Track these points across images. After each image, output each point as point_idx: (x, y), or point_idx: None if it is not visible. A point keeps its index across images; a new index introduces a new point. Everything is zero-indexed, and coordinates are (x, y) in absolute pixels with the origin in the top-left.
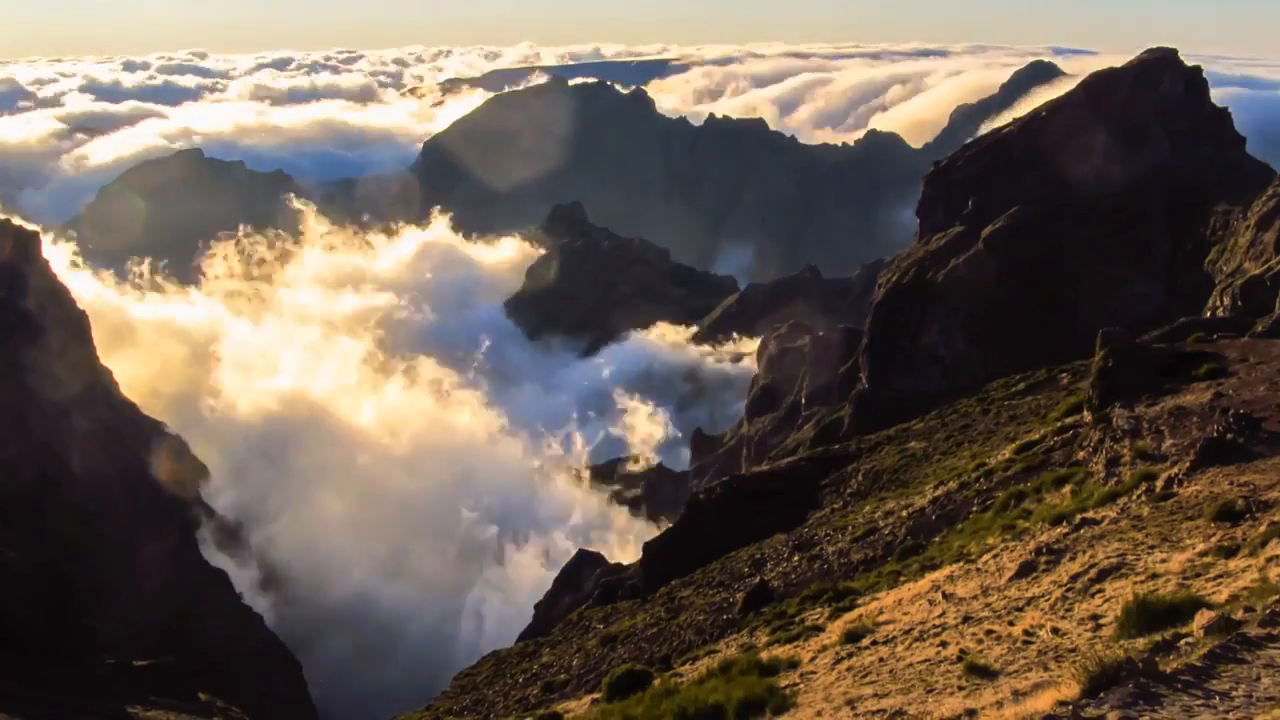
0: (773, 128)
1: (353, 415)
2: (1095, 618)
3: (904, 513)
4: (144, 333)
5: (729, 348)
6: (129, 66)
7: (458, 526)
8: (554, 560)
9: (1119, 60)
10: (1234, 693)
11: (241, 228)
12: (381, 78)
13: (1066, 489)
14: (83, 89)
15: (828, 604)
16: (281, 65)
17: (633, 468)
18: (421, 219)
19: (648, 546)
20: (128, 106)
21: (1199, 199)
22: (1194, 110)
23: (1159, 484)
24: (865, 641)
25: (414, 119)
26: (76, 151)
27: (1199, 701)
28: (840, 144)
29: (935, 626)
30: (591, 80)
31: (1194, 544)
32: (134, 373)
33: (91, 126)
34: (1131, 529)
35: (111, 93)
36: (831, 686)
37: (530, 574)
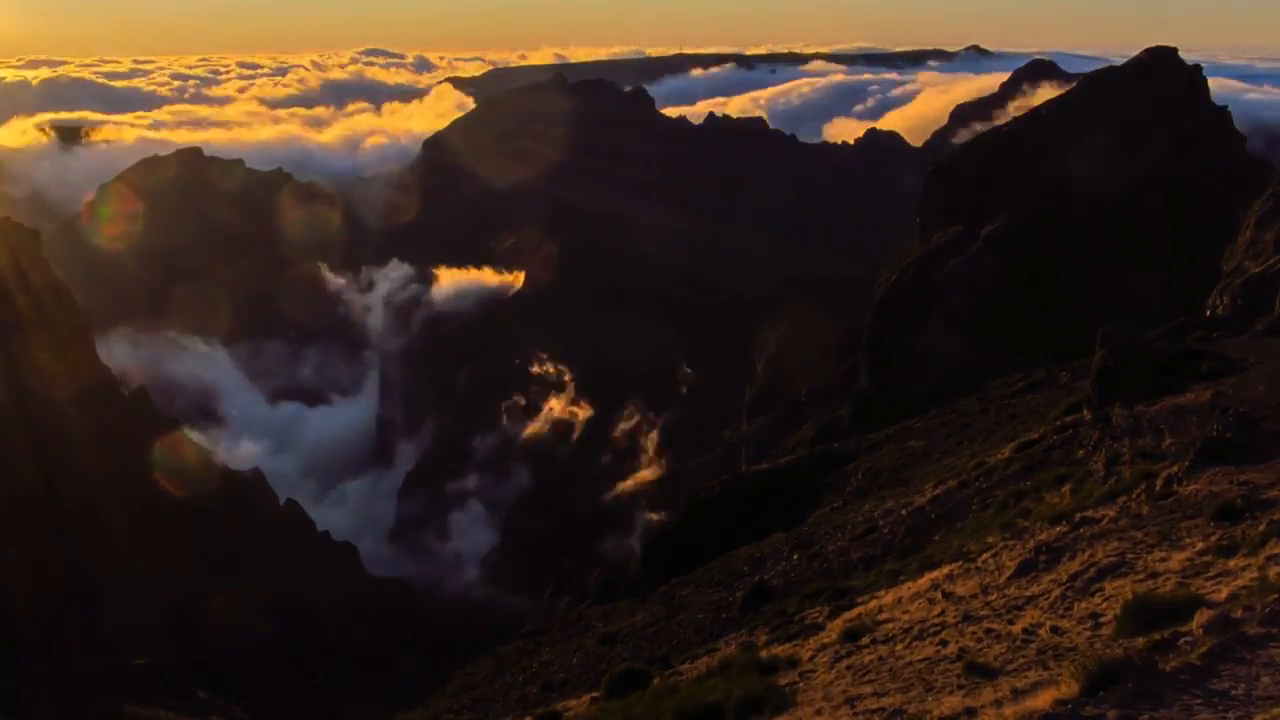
0: (772, 127)
1: None
2: (1095, 616)
3: (904, 511)
4: None
5: None
6: (130, 67)
7: None
8: None
9: (1119, 60)
10: (1234, 692)
11: None
12: (382, 77)
13: (1066, 488)
14: (81, 88)
15: (827, 603)
16: (284, 65)
17: None
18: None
19: (648, 545)
20: (126, 106)
21: (1199, 199)
22: (1194, 109)
23: (1158, 483)
24: (865, 640)
25: (414, 118)
26: (75, 150)
27: (1198, 700)
28: (840, 144)
29: (935, 625)
30: (591, 80)
31: (1193, 543)
32: None
33: (91, 126)
34: (1131, 528)
35: (111, 93)
36: (831, 685)
37: None
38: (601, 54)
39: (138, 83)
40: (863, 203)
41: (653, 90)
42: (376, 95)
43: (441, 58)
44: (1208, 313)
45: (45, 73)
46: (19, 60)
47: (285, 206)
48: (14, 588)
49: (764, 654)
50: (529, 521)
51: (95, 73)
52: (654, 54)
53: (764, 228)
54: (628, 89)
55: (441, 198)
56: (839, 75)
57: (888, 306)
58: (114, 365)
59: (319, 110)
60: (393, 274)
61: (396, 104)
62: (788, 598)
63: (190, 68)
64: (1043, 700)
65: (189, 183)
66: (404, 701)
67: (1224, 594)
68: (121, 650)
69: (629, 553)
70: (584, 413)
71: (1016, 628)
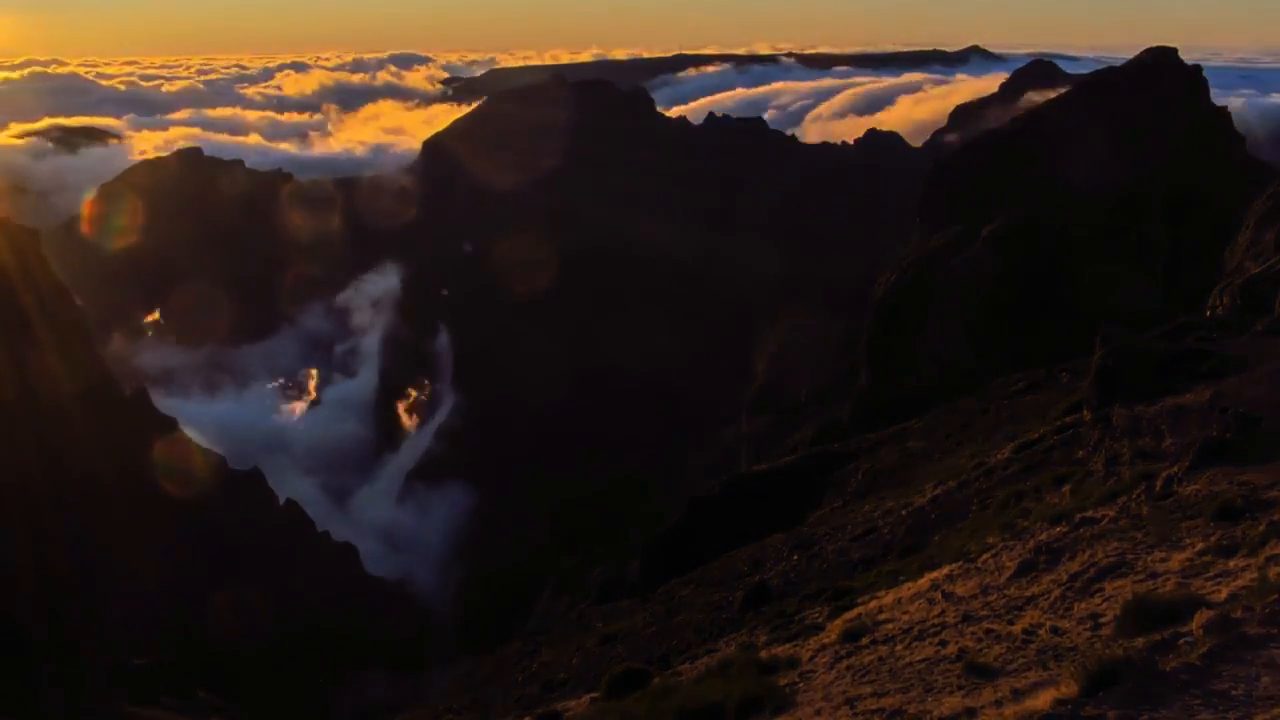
0: (772, 127)
1: None
2: (1095, 616)
3: (904, 511)
4: None
5: None
6: (130, 69)
7: None
8: None
9: (1119, 60)
10: (1234, 692)
11: None
12: (382, 77)
13: (1066, 488)
14: (82, 90)
15: (827, 603)
16: (284, 65)
17: None
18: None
19: (647, 545)
20: (127, 107)
21: (1199, 199)
22: (1194, 110)
23: (1158, 483)
24: (864, 640)
25: (413, 118)
26: (75, 150)
27: (1198, 701)
28: (840, 144)
29: (934, 625)
30: (591, 80)
31: (1193, 543)
32: None
33: (91, 127)
34: (1131, 528)
35: (111, 94)
36: (831, 685)
37: None
38: (601, 54)
39: (138, 84)
40: (863, 203)
41: (652, 91)
42: (376, 96)
43: (441, 58)
44: (1208, 313)
45: (46, 74)
46: (20, 61)
47: (285, 206)
48: (18, 588)
49: (764, 654)
50: (530, 522)
51: (95, 74)
52: (653, 55)
53: (764, 228)
54: (628, 89)
55: (441, 198)
56: (839, 75)
57: (888, 306)
58: (114, 365)
59: (320, 111)
60: (393, 275)
61: (396, 105)
62: (787, 598)
63: (191, 69)
64: (1043, 700)
65: (189, 183)
66: (404, 701)
67: (1224, 594)
68: (122, 650)
69: (629, 553)
70: (585, 414)
71: (1016, 628)
